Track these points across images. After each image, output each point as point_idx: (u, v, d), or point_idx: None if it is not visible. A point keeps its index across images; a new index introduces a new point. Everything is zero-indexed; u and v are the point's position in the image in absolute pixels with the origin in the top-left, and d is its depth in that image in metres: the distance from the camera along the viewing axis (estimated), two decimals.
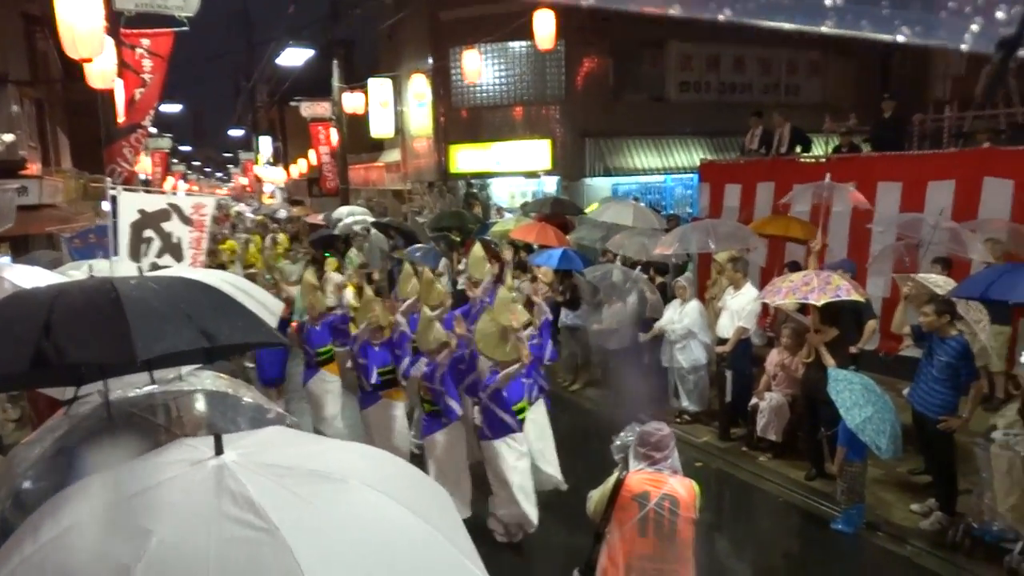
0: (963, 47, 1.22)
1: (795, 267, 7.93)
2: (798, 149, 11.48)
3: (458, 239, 12.72)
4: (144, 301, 2.68)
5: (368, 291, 7.13)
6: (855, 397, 5.59)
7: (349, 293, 9.88)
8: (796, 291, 6.21)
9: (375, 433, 6.66)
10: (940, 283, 5.93)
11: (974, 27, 1.17)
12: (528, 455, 5.78)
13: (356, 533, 1.89)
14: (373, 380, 6.44)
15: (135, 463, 2.12)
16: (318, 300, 7.44)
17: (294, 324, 7.85)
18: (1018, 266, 6.04)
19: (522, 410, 5.75)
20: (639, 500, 3.55)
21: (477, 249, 8.37)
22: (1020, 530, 5.12)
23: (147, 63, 11.16)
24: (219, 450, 1.96)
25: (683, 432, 8.19)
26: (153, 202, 6.42)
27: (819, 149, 12.86)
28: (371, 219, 15.78)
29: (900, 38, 1.21)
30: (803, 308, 6.85)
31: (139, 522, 1.80)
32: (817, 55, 19.94)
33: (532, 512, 5.61)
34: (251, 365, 9.37)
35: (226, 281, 4.22)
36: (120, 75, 10.93)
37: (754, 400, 7.37)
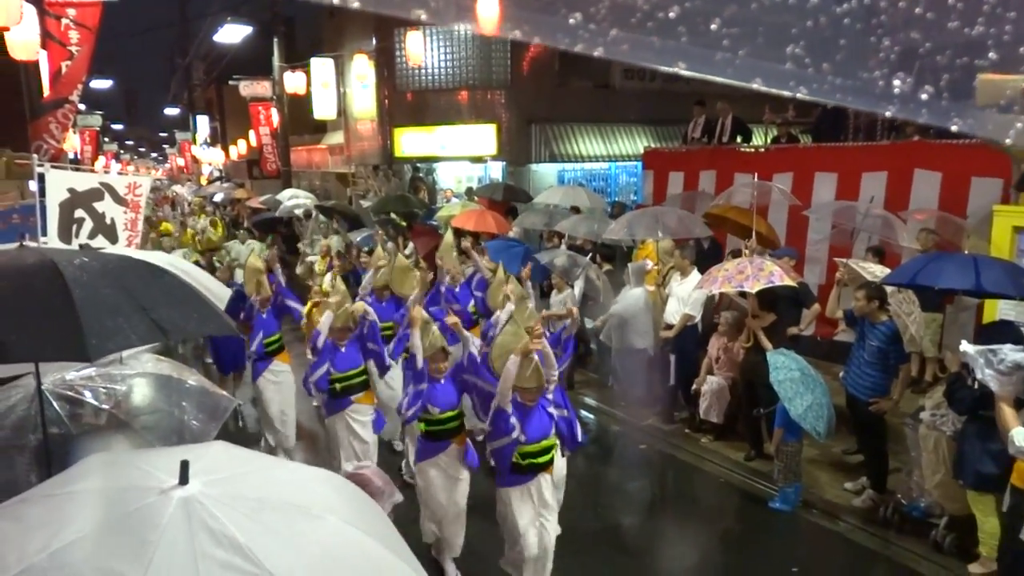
0: (1007, 141, 1.39)
1: (739, 255, 8.09)
2: (739, 139, 11.72)
3: (404, 223, 12.58)
4: (93, 290, 2.42)
5: (340, 284, 6.35)
6: (796, 387, 5.77)
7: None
8: (731, 279, 6.36)
9: (337, 444, 5.89)
10: (876, 272, 6.16)
11: (1019, 124, 1.32)
12: (555, 508, 4.70)
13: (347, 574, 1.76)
14: (324, 390, 5.74)
15: (84, 485, 1.84)
16: (264, 285, 6.99)
17: None
18: (943, 254, 6.34)
19: (549, 449, 4.55)
20: None
21: (448, 237, 8.07)
22: (945, 506, 5.38)
23: (74, 34, 10.60)
24: (184, 478, 1.74)
25: (627, 415, 8.34)
26: (84, 181, 6.13)
27: (759, 139, 13.14)
28: (314, 202, 15.52)
29: (953, 127, 1.35)
30: (744, 293, 7.01)
31: (108, 564, 1.58)
32: None
33: None
34: (209, 361, 9.11)
35: (172, 265, 4.06)
36: (44, 46, 10.38)
37: (696, 383, 7.53)
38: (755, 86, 1.31)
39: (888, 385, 5.96)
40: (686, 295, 7.68)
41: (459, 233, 10.71)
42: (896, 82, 1.31)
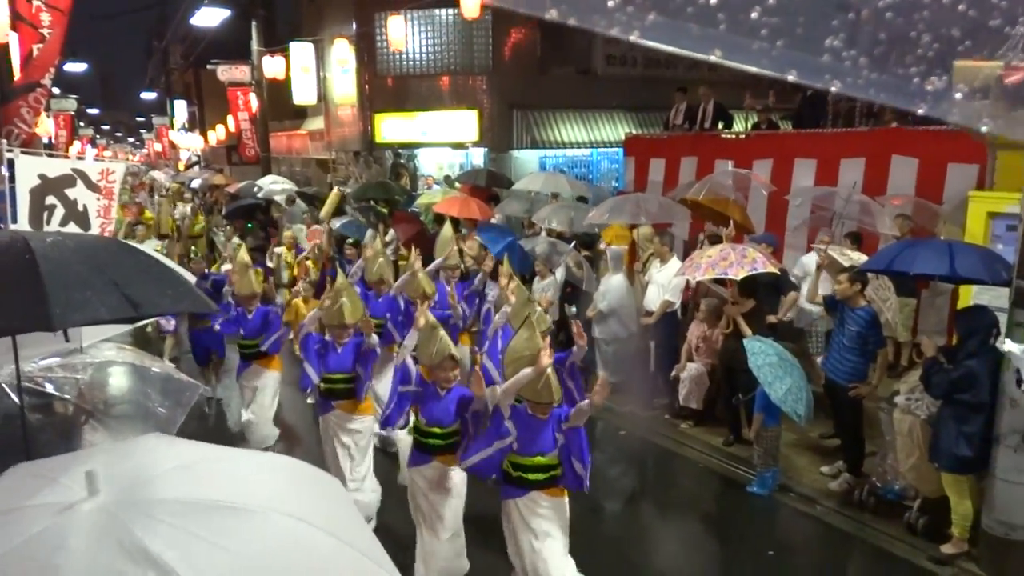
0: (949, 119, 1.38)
1: (716, 239, 8.12)
2: (720, 125, 11.74)
3: (385, 210, 12.49)
4: (63, 263, 2.37)
5: (341, 277, 5.83)
6: (775, 371, 5.81)
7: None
8: (715, 266, 6.38)
9: (327, 446, 5.55)
10: (854, 258, 6.22)
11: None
12: (554, 536, 4.22)
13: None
14: (309, 389, 5.47)
15: None
16: (251, 282, 6.52)
17: None
18: (919, 241, 6.40)
19: (544, 468, 4.17)
20: None
21: (447, 229, 7.64)
22: (919, 489, 5.46)
23: (45, 16, 10.36)
24: (93, 489, 1.56)
25: (608, 401, 8.36)
26: (56, 167, 5.99)
27: (739, 125, 13.17)
28: (295, 189, 15.37)
29: (984, 128, 1.36)
30: (722, 280, 7.04)
31: None
32: None
33: None
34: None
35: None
36: (14, 28, 10.15)
37: (675, 370, 7.56)
38: (790, 78, 1.29)
39: (867, 370, 6.02)
40: (666, 282, 7.70)
41: (440, 220, 10.68)
42: (932, 79, 1.30)
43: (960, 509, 5.09)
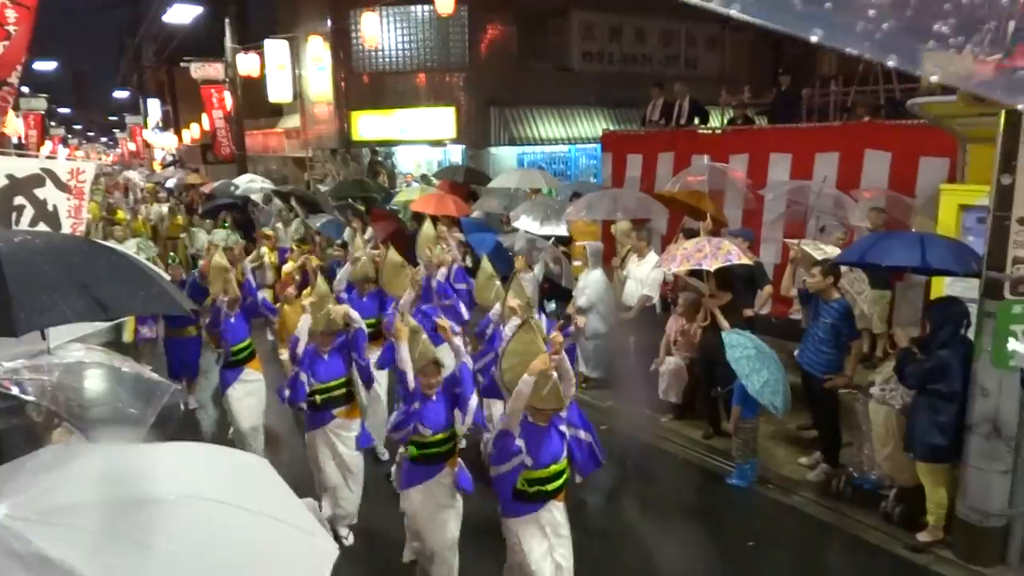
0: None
1: (691, 233, 8.16)
2: (696, 120, 11.80)
3: (363, 208, 12.43)
4: (30, 264, 2.30)
5: (321, 283, 5.66)
6: (752, 363, 5.86)
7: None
8: (690, 258, 6.43)
9: (321, 459, 5.39)
10: (827, 251, 6.29)
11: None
12: (568, 539, 4.21)
13: (204, 561, 1.57)
14: (302, 403, 5.26)
15: None
16: (232, 285, 6.34)
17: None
18: (891, 233, 6.48)
19: (559, 474, 4.11)
20: None
21: (427, 227, 7.59)
22: (894, 478, 5.54)
23: (11, 13, 10.17)
24: None
25: (588, 397, 8.39)
26: (24, 166, 5.86)
27: (716, 121, 13.25)
28: (271, 188, 15.23)
29: (1021, 107, 1.29)
30: (699, 274, 7.09)
31: None
32: (716, 29, 20.48)
33: None
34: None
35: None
36: None
37: (654, 364, 7.59)
38: (889, 63, 1.23)
39: (842, 361, 6.09)
40: (644, 276, 7.73)
41: (419, 218, 10.63)
42: None
43: (935, 497, 5.17)
